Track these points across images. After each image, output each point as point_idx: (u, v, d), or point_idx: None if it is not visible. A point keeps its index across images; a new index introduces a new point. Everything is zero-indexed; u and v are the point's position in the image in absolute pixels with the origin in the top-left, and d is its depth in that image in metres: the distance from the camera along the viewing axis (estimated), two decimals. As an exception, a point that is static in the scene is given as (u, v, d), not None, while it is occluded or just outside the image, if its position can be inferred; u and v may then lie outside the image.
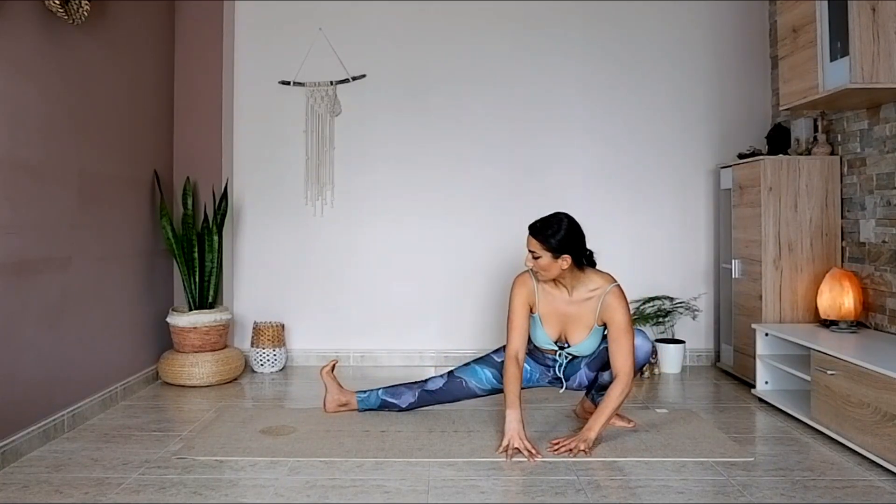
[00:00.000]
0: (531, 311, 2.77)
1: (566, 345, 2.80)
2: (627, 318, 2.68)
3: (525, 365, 2.85)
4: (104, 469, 2.44)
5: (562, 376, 2.86)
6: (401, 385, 3.07)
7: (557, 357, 2.83)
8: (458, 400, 3.01)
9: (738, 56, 4.20)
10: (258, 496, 2.22)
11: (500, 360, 2.90)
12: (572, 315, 2.75)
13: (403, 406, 3.03)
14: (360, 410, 3.07)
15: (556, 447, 2.60)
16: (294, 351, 4.19)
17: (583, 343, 2.76)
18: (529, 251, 2.67)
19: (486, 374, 2.92)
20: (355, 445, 2.66)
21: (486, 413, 3.06)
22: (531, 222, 2.69)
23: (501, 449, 2.57)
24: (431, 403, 3.03)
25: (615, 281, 2.74)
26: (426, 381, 3.03)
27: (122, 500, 2.18)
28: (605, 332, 2.74)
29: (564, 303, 2.75)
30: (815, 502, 2.18)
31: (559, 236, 2.62)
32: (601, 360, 2.81)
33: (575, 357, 2.84)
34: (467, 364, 3.00)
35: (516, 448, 2.54)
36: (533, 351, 2.87)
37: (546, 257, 2.63)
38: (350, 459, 2.53)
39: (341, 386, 3.12)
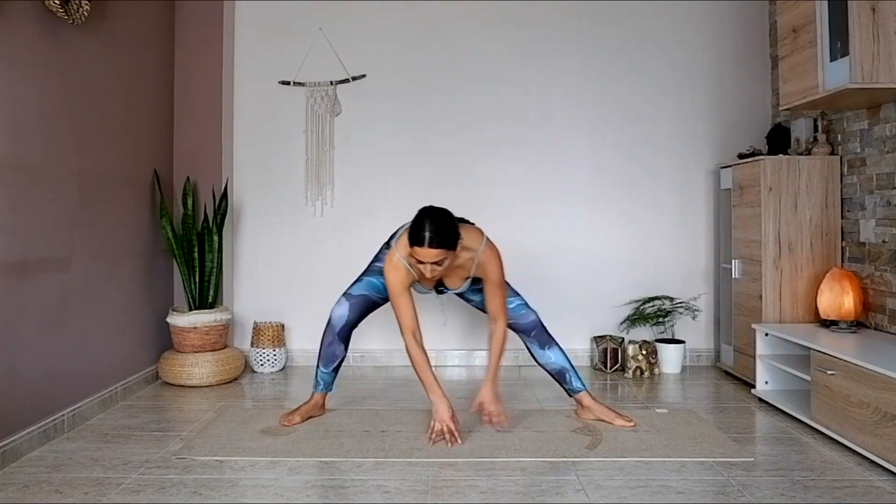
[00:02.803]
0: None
1: (445, 289, 2.89)
2: (500, 273, 2.77)
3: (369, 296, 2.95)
4: (104, 469, 2.44)
5: (444, 293, 2.94)
6: (323, 348, 2.96)
7: (436, 295, 2.95)
8: (367, 314, 2.98)
9: (738, 56, 4.20)
10: (258, 496, 2.22)
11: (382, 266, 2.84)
12: (448, 274, 2.78)
13: (344, 354, 2.98)
14: (330, 391, 3.05)
15: (487, 417, 2.73)
16: (294, 351, 4.19)
17: (461, 287, 2.86)
18: (432, 264, 2.56)
19: (382, 281, 2.87)
20: (355, 445, 2.67)
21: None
22: (420, 237, 2.53)
23: (430, 431, 2.65)
24: (354, 327, 2.97)
25: (483, 236, 2.76)
26: (331, 322, 2.94)
27: (122, 500, 2.18)
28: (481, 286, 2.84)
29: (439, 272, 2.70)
30: (815, 502, 2.18)
31: (453, 230, 2.58)
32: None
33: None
34: (359, 280, 2.97)
35: (441, 431, 2.63)
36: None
37: (449, 257, 2.60)
38: (350, 459, 2.53)
39: (305, 409, 3.00)
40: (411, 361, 2.74)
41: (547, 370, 3.05)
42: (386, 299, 2.95)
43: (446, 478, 2.37)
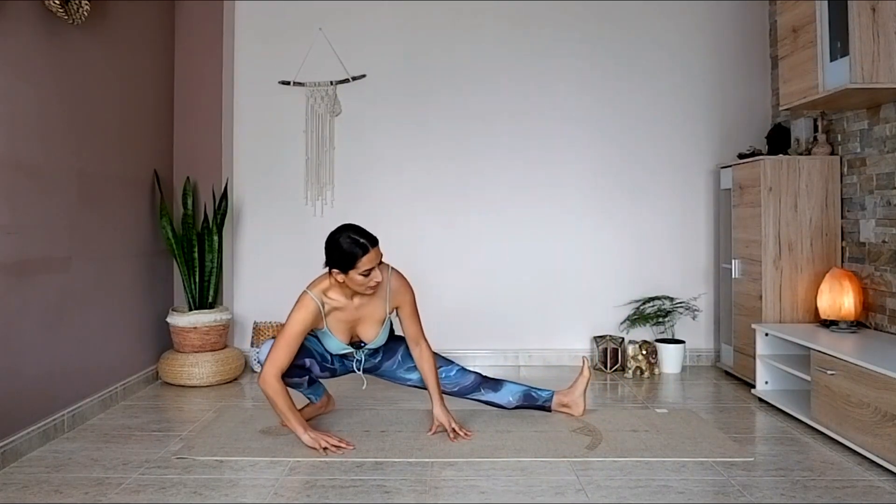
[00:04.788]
0: (319, 326, 2.72)
1: (362, 343, 2.81)
2: (414, 294, 2.82)
3: (321, 373, 2.84)
4: (104, 469, 2.44)
5: (360, 371, 2.88)
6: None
7: (355, 355, 2.84)
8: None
9: (738, 56, 4.20)
10: (258, 496, 2.22)
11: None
12: (363, 316, 2.75)
13: (301, 381, 2.88)
14: (316, 398, 3.01)
15: (452, 435, 2.71)
16: (294, 351, 4.18)
17: (377, 338, 2.80)
18: (372, 268, 2.57)
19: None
20: (355, 445, 2.66)
21: (487, 413, 3.06)
22: (360, 245, 2.55)
23: (321, 449, 2.57)
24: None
25: (388, 264, 2.75)
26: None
27: (122, 500, 2.18)
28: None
29: (353, 309, 2.72)
30: (815, 502, 2.18)
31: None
32: (408, 355, 2.92)
33: (375, 351, 2.88)
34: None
35: (333, 444, 2.58)
36: (322, 362, 2.83)
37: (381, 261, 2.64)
38: (350, 459, 2.53)
39: (308, 411, 2.98)
40: (274, 397, 2.59)
41: (517, 406, 3.04)
42: (322, 366, 2.84)
43: (446, 478, 2.37)
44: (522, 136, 4.21)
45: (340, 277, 2.60)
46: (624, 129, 4.21)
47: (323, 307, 2.68)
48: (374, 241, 2.60)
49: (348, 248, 2.55)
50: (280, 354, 2.62)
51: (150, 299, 3.72)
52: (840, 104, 3.25)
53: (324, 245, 2.64)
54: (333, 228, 2.67)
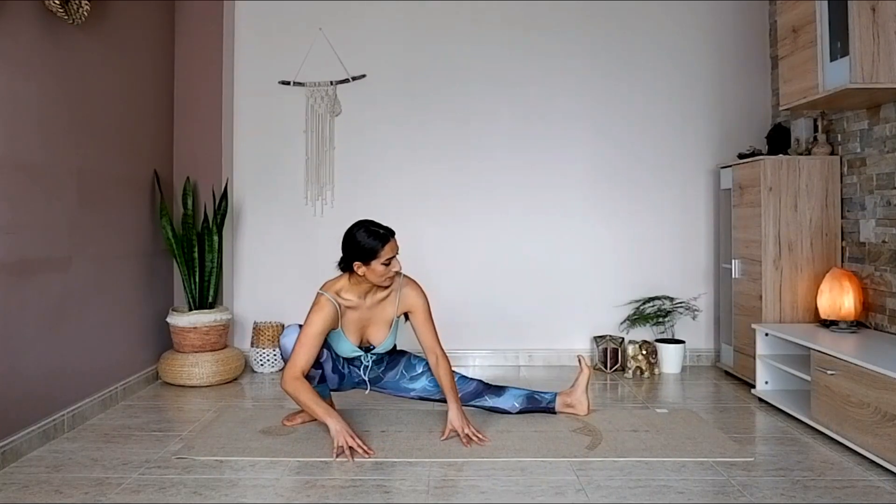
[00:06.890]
0: (335, 327, 2.74)
1: (371, 347, 2.85)
2: (427, 303, 2.85)
3: (332, 374, 2.83)
4: (104, 469, 2.44)
5: (367, 378, 2.90)
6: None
7: (363, 360, 2.86)
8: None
9: (738, 56, 4.20)
10: (258, 496, 2.22)
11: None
12: (373, 317, 2.81)
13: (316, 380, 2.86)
14: (327, 395, 2.96)
15: (465, 440, 2.67)
16: (294, 351, 4.18)
17: (385, 340, 2.84)
18: (392, 257, 2.67)
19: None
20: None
21: (486, 414, 3.06)
22: (380, 236, 2.66)
23: (336, 452, 2.52)
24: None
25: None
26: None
27: (122, 500, 2.18)
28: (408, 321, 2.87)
29: (365, 309, 2.78)
30: (815, 502, 2.18)
31: None
32: (411, 366, 2.98)
33: (380, 359, 2.90)
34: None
35: (350, 447, 2.53)
36: (335, 361, 2.83)
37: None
38: (350, 459, 2.52)
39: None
40: (297, 394, 2.59)
41: (521, 410, 3.03)
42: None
43: (446, 478, 2.37)
44: (522, 136, 4.21)
45: (362, 270, 2.66)
46: (624, 129, 4.21)
47: (339, 307, 2.71)
48: (392, 231, 2.70)
49: (370, 239, 2.65)
50: (300, 355, 2.64)
51: (150, 299, 3.72)
52: (840, 104, 3.25)
53: (341, 243, 2.72)
54: (348, 226, 2.74)
